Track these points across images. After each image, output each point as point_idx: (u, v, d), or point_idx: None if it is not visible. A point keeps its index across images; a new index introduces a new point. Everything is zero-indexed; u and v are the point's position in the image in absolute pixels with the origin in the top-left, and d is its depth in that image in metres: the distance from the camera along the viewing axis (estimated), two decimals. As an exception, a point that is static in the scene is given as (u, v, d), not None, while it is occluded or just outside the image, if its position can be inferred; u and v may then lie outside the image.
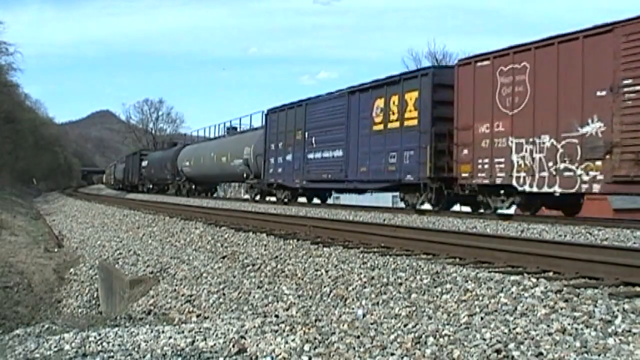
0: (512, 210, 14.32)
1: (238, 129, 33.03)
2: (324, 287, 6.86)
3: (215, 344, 5.11)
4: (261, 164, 24.36)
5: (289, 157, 21.97)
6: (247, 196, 29.45)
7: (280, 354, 4.71)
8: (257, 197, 26.44)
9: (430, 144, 14.65)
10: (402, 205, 17.94)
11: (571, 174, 11.59)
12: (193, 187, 36.51)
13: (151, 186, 45.75)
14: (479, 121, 13.65)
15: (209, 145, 34.25)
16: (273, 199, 24.67)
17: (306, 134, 20.76)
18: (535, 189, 12.38)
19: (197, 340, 5.26)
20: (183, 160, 36.84)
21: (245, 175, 26.48)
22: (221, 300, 7.63)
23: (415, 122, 15.42)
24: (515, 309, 4.78)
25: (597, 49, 11.19)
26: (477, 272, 6.06)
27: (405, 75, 16.37)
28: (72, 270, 14.53)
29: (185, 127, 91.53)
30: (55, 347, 5.36)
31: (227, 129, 34.47)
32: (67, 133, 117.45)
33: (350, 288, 6.55)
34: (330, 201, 25.50)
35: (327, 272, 7.33)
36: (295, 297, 6.84)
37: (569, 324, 4.24)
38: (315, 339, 4.93)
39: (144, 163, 47.02)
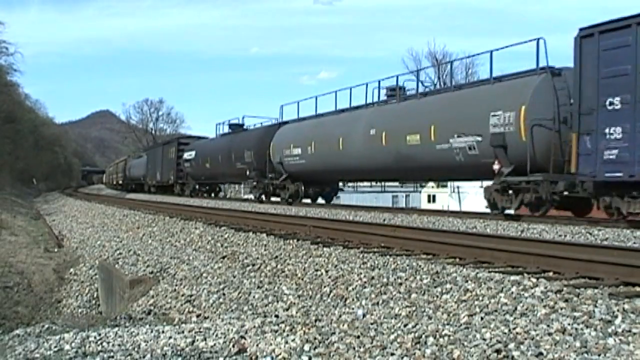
0: None
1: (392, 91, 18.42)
2: (324, 287, 6.86)
3: (215, 344, 5.11)
4: (544, 142, 12.38)
5: None
6: (507, 209, 13.61)
7: (280, 354, 4.71)
8: (540, 210, 12.68)
9: None
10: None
11: None
12: (302, 188, 22.30)
13: (197, 186, 33.91)
14: None
15: (354, 117, 19.21)
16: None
17: None
18: None
19: (197, 340, 5.26)
20: (286, 147, 22.48)
21: (498, 166, 13.36)
22: (221, 300, 7.63)
23: None
24: (515, 309, 4.78)
25: None
26: (477, 272, 6.06)
27: None
28: (72, 270, 14.53)
29: (185, 127, 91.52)
30: (55, 347, 5.36)
31: (388, 89, 18.87)
32: (67, 133, 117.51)
33: (350, 288, 6.55)
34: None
35: (327, 272, 7.33)
36: (295, 297, 6.84)
37: (569, 324, 4.24)
38: (315, 339, 4.93)
39: (188, 155, 33.70)
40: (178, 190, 36.11)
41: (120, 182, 59.80)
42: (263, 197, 24.60)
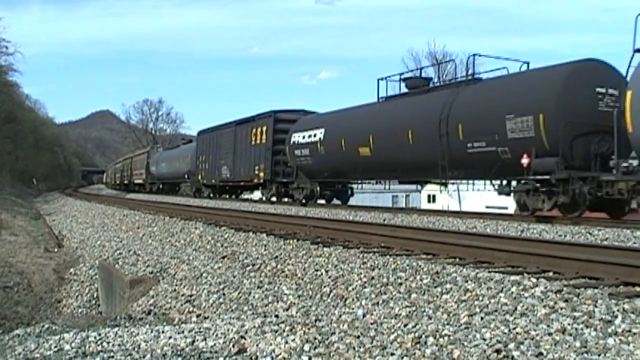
0: None
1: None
2: (324, 287, 6.86)
3: (215, 344, 5.11)
4: None
5: None
6: None
7: (280, 354, 4.71)
8: None
9: None
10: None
11: None
12: None
13: (318, 188, 20.61)
14: None
15: None
16: None
17: None
18: None
19: (197, 340, 5.26)
20: None
21: None
22: (221, 300, 7.63)
23: None
24: (515, 309, 4.78)
25: None
26: (477, 272, 6.06)
27: None
28: (72, 270, 14.52)
29: (185, 127, 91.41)
30: (55, 347, 5.36)
31: None
32: (67, 133, 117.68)
33: (350, 288, 6.55)
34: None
35: (327, 272, 7.33)
36: (295, 297, 6.84)
37: (569, 324, 4.24)
38: (315, 339, 4.93)
39: (305, 136, 20.77)
40: (272, 192, 22.73)
41: (139, 181, 46.99)
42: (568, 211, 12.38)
